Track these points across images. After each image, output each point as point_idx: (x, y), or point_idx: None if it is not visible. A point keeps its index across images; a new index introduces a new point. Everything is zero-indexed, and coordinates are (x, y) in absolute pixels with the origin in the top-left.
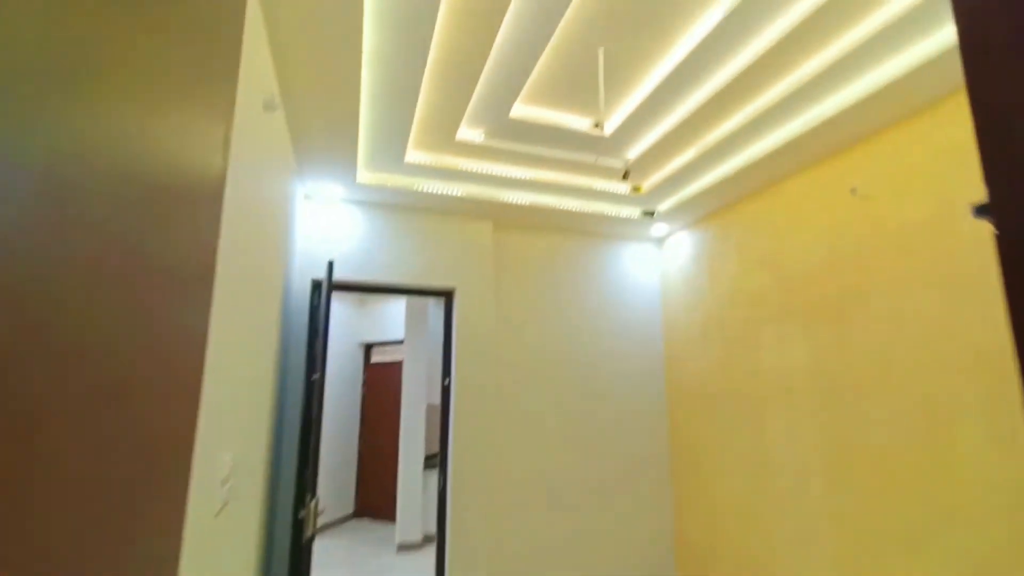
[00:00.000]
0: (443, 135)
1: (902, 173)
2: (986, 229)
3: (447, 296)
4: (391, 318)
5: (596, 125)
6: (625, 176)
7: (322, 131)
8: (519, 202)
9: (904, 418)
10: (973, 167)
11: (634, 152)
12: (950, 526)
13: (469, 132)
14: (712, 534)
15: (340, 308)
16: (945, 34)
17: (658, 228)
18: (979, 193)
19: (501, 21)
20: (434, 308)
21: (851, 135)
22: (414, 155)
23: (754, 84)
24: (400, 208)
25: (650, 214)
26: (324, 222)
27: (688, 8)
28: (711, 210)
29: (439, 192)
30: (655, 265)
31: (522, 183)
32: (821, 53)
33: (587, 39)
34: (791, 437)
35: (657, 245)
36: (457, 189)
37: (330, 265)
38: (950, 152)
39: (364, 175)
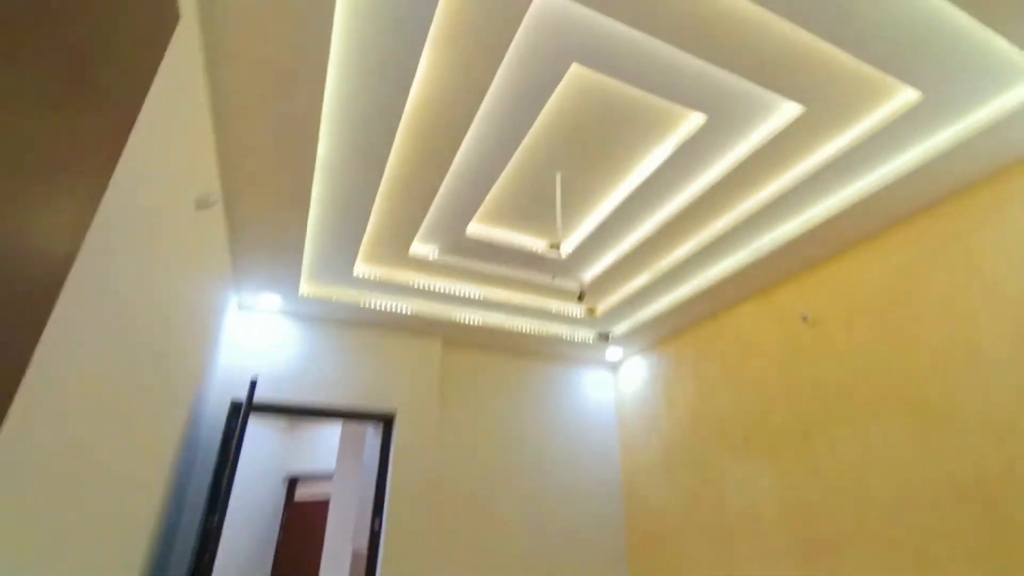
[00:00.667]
0: (395, 250)
1: (852, 300)
2: (945, 354)
3: (387, 421)
4: (323, 446)
5: (552, 247)
6: (580, 298)
7: (266, 237)
8: (471, 321)
9: (888, 562)
10: (919, 293)
11: (589, 274)
12: None
13: (423, 248)
14: None
15: (265, 434)
16: (891, 167)
17: (613, 352)
18: (927, 319)
19: (461, 140)
20: (372, 437)
21: (800, 263)
22: (363, 268)
23: (705, 213)
24: (343, 323)
25: (605, 337)
26: (257, 334)
27: (643, 141)
28: (666, 334)
29: (387, 308)
30: (610, 391)
31: (475, 302)
32: (769, 186)
33: (546, 163)
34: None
35: (612, 370)
36: (406, 305)
37: (252, 384)
38: (898, 278)
39: (307, 287)
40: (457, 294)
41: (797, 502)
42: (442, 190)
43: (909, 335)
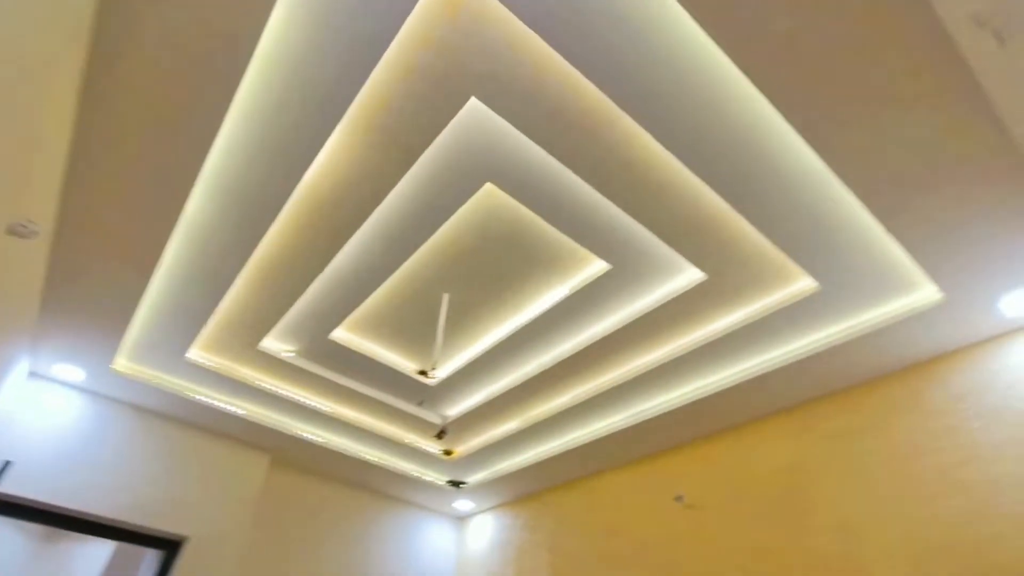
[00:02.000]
0: (244, 341)
1: (735, 488)
2: (834, 570)
3: (170, 548)
4: (85, 570)
5: (422, 372)
6: (440, 436)
7: (93, 292)
8: (312, 439)
9: None
10: (808, 494)
11: (455, 410)
12: None
13: (276, 344)
14: None
15: (13, 543)
16: (781, 352)
17: (462, 504)
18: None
19: (349, 237)
20: (146, 569)
21: (681, 436)
22: (198, 354)
23: (590, 367)
24: (152, 416)
25: (457, 485)
26: (37, 408)
27: (541, 278)
28: (524, 494)
29: (214, 405)
30: (452, 549)
31: (321, 418)
32: (659, 350)
33: (435, 281)
34: None
35: (458, 524)
36: (239, 408)
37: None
38: (786, 473)
39: (124, 362)
40: (303, 404)
41: None
42: (314, 286)
43: (796, 539)
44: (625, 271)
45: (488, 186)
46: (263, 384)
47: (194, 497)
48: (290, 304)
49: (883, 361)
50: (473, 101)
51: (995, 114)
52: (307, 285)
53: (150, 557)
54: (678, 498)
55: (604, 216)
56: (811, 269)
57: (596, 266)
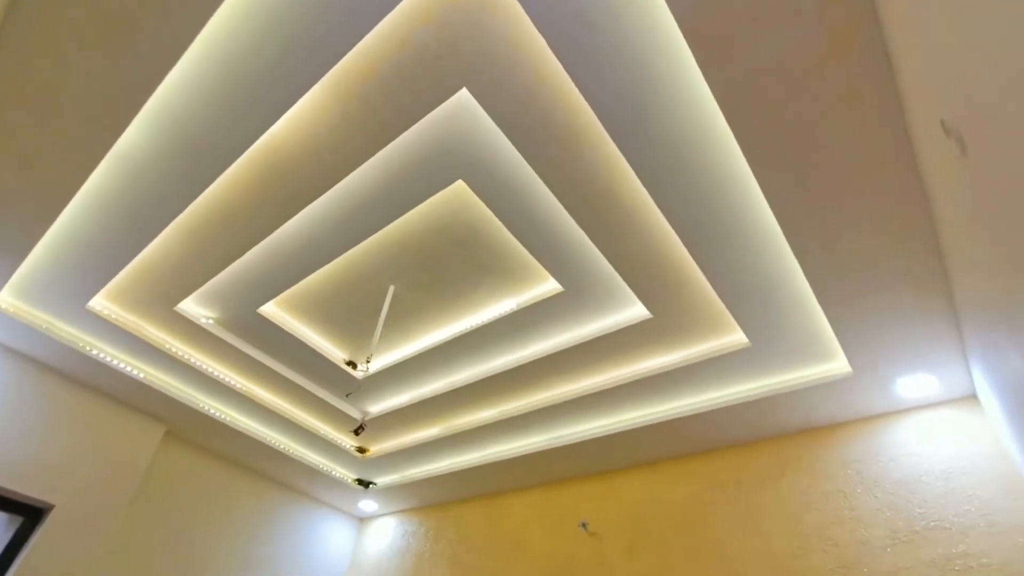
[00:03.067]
0: (159, 298)
1: (637, 520)
2: None
3: (31, 516)
4: None
5: (351, 363)
6: (357, 432)
7: None
8: (216, 415)
9: None
10: (700, 533)
11: (377, 408)
12: None
13: (195, 308)
14: None
15: None
16: (699, 400)
17: (366, 504)
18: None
19: (299, 210)
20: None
21: (593, 465)
22: (102, 304)
23: (522, 384)
24: (32, 363)
25: (365, 485)
26: None
27: (492, 288)
28: (431, 503)
29: (110, 364)
30: (349, 549)
31: (230, 394)
32: (593, 378)
33: (383, 271)
34: None
35: (357, 525)
36: (138, 371)
37: None
38: (683, 511)
39: (8, 299)
40: (213, 376)
41: None
42: (252, 252)
43: (683, 572)
44: (576, 296)
45: (459, 183)
46: (172, 349)
47: (69, 462)
48: (221, 267)
49: (788, 421)
50: (464, 92)
51: (935, 228)
52: (245, 250)
53: (2, 524)
54: (582, 524)
55: (567, 238)
56: (745, 325)
57: (548, 286)
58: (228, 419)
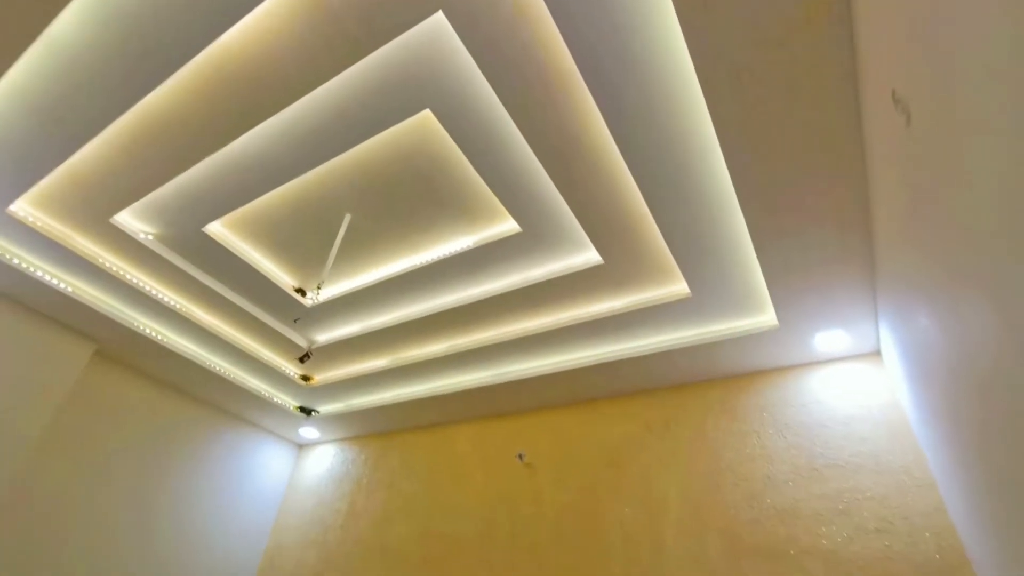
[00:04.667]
0: (93, 207)
1: (568, 455)
2: (633, 536)
3: None
4: None
5: (300, 291)
6: (303, 359)
7: None
8: (152, 335)
9: None
10: (627, 469)
11: (324, 337)
12: None
13: (134, 222)
14: None
15: None
16: (638, 344)
17: (308, 431)
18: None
19: (256, 123)
20: None
21: (533, 401)
22: (25, 209)
23: (471, 321)
24: None
25: (308, 412)
26: None
27: (451, 223)
28: (374, 432)
29: (36, 275)
30: (285, 474)
31: (168, 314)
32: (540, 318)
33: (341, 198)
34: None
35: (296, 451)
36: (65, 284)
37: None
38: (612, 448)
39: None
40: (149, 294)
41: None
42: (201, 166)
43: (609, 507)
44: (532, 238)
45: (427, 113)
46: (105, 263)
47: None
48: (165, 179)
49: (716, 368)
50: (440, 16)
51: (868, 200)
52: (192, 163)
53: None
54: (519, 456)
55: (530, 180)
56: (689, 277)
57: (507, 226)
58: (165, 340)
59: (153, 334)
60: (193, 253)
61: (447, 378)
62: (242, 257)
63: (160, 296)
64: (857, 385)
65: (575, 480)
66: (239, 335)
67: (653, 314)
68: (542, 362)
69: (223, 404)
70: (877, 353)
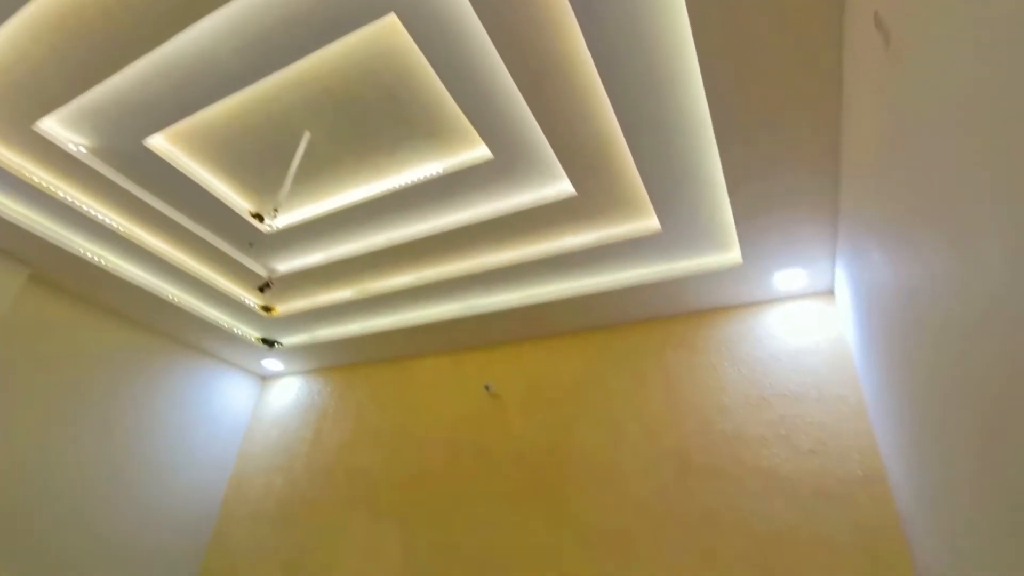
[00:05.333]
0: (11, 112)
1: (533, 385)
2: (592, 462)
3: None
4: None
5: (257, 216)
6: (263, 289)
7: None
8: (93, 259)
9: None
10: (586, 400)
11: (285, 266)
12: None
13: (63, 132)
14: None
15: None
16: (608, 279)
17: (271, 364)
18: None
19: (200, 18)
20: None
21: (501, 334)
22: None
23: (439, 251)
24: None
25: (271, 344)
26: None
27: (418, 147)
28: (339, 363)
29: None
30: (248, 407)
31: (110, 236)
32: (509, 251)
33: (298, 114)
34: None
35: (260, 383)
36: None
37: None
38: (574, 380)
39: None
40: (88, 215)
41: (416, 573)
42: (136, 67)
43: (570, 435)
44: (504, 166)
45: (392, 18)
46: (32, 176)
47: None
48: (95, 82)
49: (681, 303)
50: None
51: (840, 137)
52: (125, 63)
53: None
54: (487, 387)
55: (504, 103)
56: (660, 212)
57: (478, 152)
58: (109, 265)
59: (94, 258)
60: (135, 170)
61: (415, 310)
62: (191, 176)
63: (100, 216)
64: (809, 322)
65: (540, 410)
66: (193, 262)
67: (623, 249)
68: (511, 296)
69: (181, 335)
70: (831, 292)
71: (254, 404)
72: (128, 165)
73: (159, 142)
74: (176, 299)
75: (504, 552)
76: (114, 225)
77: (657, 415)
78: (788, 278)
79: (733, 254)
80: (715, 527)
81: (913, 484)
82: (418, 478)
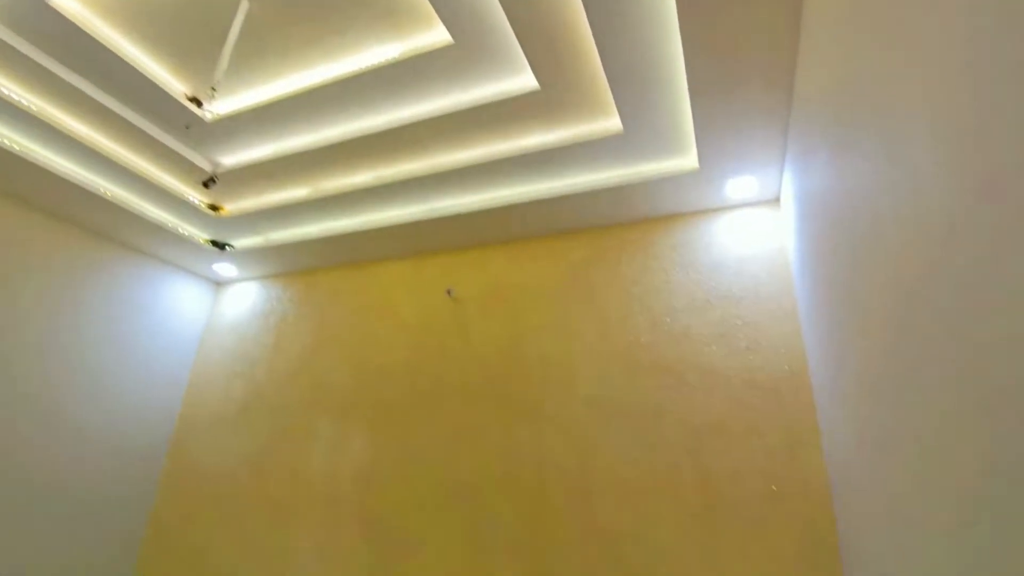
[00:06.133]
0: None
1: (494, 290)
2: (548, 362)
3: None
4: None
5: (195, 100)
6: (207, 185)
7: None
8: (4, 142)
9: (448, 542)
10: (544, 304)
11: (232, 159)
12: None
13: None
14: None
15: None
16: (567, 183)
17: (224, 268)
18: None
19: None
20: None
21: (464, 237)
22: None
23: (401, 148)
24: None
25: (222, 247)
26: None
27: (371, 25)
28: (297, 268)
29: None
30: (202, 314)
31: (19, 115)
32: (474, 148)
33: None
34: (323, 558)
35: (214, 290)
36: None
37: None
38: (532, 285)
39: None
40: None
41: (381, 473)
42: None
43: (529, 334)
44: (466, 53)
45: None
46: None
47: None
48: None
49: (638, 210)
50: None
51: (798, 35)
52: None
53: None
54: (448, 291)
55: None
56: (623, 110)
57: (438, 35)
58: (21, 150)
59: (4, 141)
60: (41, 37)
61: (375, 212)
62: (111, 48)
63: (6, 91)
64: (755, 228)
65: (500, 314)
66: (127, 152)
67: (584, 151)
68: (472, 198)
69: (122, 236)
70: (777, 200)
71: (209, 311)
72: (33, 31)
73: (70, 4)
74: (110, 195)
75: (464, 446)
76: (25, 103)
77: (610, 318)
78: (740, 186)
79: (690, 159)
80: (658, 418)
81: (829, 377)
82: (381, 379)
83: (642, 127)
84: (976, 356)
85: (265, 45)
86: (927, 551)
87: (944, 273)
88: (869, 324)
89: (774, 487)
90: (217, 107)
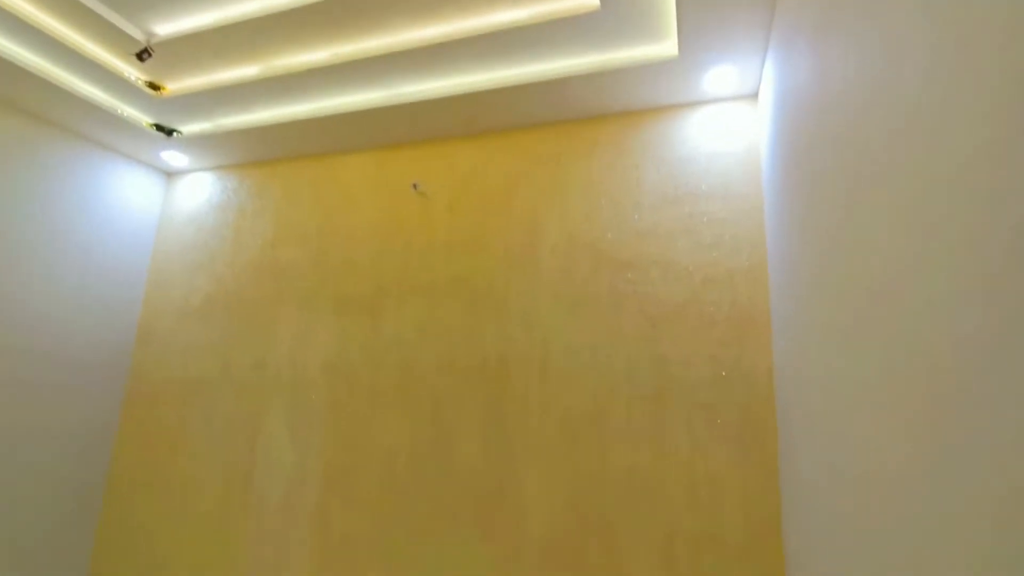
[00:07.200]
0: None
1: (461, 183)
2: (513, 254)
3: None
4: None
5: None
6: (141, 56)
7: None
8: None
9: (414, 423)
10: (513, 197)
11: (166, 29)
12: (452, 528)
13: None
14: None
15: None
16: (540, 68)
17: (173, 157)
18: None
19: None
20: None
21: (430, 128)
22: None
23: (360, 21)
24: None
25: (168, 132)
26: None
27: None
28: (252, 159)
29: None
30: (155, 207)
31: None
32: (443, 25)
33: None
34: (294, 440)
35: (165, 181)
36: None
37: None
38: (503, 177)
39: None
40: None
41: (347, 362)
42: None
43: (495, 230)
44: None
45: None
46: None
47: None
48: None
49: (612, 102)
50: None
51: None
52: None
53: None
54: (414, 185)
55: None
56: None
57: None
58: None
59: None
60: None
61: (332, 98)
62: None
63: None
64: (730, 125)
65: (467, 210)
66: (37, 11)
67: (557, 29)
68: (440, 83)
69: (54, 115)
70: (755, 96)
71: (162, 203)
72: None
73: None
74: (37, 65)
75: (430, 337)
76: None
77: (577, 213)
78: (719, 76)
79: (669, 45)
80: (619, 309)
81: (785, 272)
82: (345, 274)
83: (620, 3)
84: (925, 251)
85: None
86: (857, 426)
87: (902, 169)
88: (823, 219)
89: (724, 373)
90: None
